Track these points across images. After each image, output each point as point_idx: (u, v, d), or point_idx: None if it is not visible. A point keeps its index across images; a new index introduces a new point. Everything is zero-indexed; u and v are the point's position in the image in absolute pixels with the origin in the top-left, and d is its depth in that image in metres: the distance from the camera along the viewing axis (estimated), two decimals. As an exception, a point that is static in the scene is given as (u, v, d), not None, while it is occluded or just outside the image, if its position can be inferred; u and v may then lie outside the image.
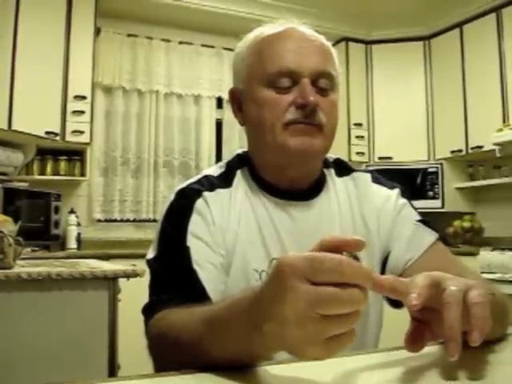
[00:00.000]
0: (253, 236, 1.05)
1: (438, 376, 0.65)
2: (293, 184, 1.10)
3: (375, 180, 1.18)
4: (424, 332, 0.67)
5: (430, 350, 0.68)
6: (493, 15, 4.45)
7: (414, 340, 0.67)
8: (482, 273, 3.74)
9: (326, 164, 1.18)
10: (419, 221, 1.13)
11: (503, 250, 4.06)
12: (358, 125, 5.16)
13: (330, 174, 1.17)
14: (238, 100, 1.13)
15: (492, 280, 3.42)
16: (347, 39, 5.18)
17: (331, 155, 1.19)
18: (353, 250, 0.58)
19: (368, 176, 1.18)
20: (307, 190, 1.11)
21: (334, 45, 1.14)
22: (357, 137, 5.15)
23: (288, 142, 1.02)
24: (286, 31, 1.08)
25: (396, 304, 1.02)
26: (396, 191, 1.16)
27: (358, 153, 5.14)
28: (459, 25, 4.77)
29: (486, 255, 4.09)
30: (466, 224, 4.78)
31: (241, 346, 0.65)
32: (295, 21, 1.12)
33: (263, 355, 0.66)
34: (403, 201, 1.15)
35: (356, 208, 1.13)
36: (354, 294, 0.55)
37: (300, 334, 0.56)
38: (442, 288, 0.64)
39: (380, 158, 5.13)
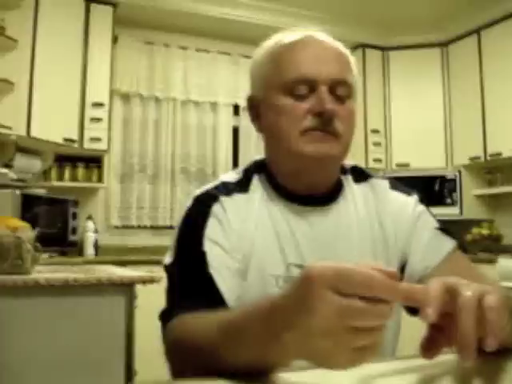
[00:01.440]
0: (270, 241, 1.04)
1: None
2: (310, 190, 1.09)
3: (393, 187, 1.17)
4: (440, 338, 0.66)
5: (450, 357, 0.67)
6: (511, 20, 4.42)
7: (430, 346, 0.66)
8: (501, 280, 3.70)
9: (344, 171, 1.17)
10: (438, 228, 1.12)
11: (522, 257, 4.01)
12: (376, 131, 5.15)
13: (348, 180, 1.16)
14: (256, 107, 1.12)
15: (511, 288, 3.38)
16: (364, 46, 5.18)
17: (348, 162, 1.19)
18: None
19: (386, 183, 1.17)
20: (324, 196, 1.11)
21: (351, 51, 1.14)
22: (374, 143, 5.13)
23: (304, 148, 1.02)
24: (303, 39, 1.08)
25: (412, 311, 1.01)
26: (414, 198, 1.15)
27: (375, 160, 5.12)
28: (477, 30, 4.75)
29: (505, 263, 4.03)
30: (485, 231, 4.73)
31: (257, 355, 0.65)
32: (313, 28, 1.11)
33: (280, 364, 0.65)
34: (421, 208, 1.14)
35: (374, 214, 1.13)
36: (383, 309, 0.55)
37: (325, 345, 0.56)
38: (458, 293, 0.63)
39: (397, 165, 5.10)
